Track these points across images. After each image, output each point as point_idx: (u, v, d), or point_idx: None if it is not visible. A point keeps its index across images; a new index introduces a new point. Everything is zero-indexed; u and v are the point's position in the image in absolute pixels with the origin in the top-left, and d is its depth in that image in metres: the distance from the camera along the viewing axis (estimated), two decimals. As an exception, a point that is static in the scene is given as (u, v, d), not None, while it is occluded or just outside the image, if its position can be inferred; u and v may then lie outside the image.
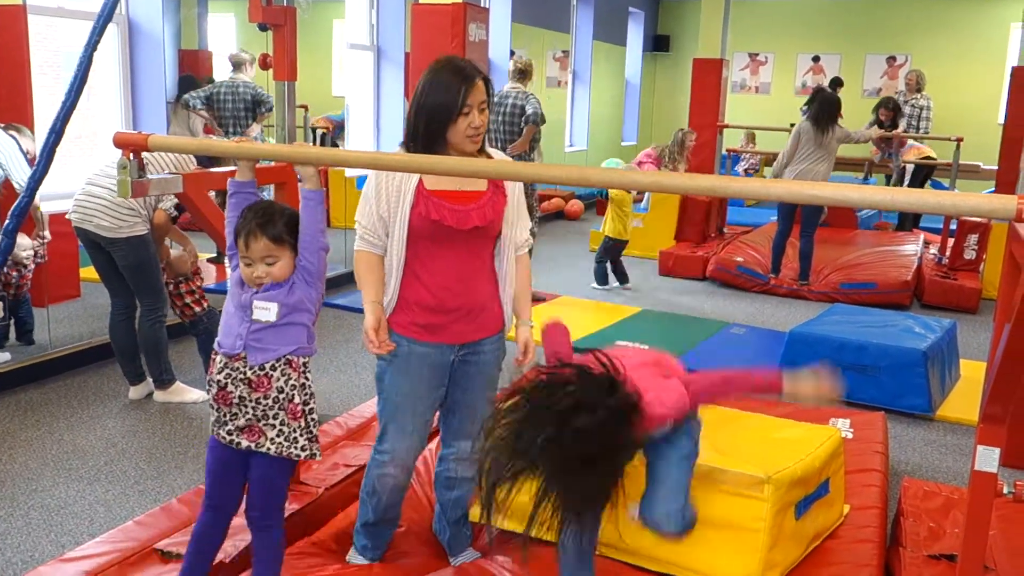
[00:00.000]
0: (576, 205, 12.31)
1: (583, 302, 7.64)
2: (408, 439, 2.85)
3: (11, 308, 5.41)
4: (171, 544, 2.82)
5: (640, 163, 10.23)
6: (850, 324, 5.59)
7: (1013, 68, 10.14)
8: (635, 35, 17.22)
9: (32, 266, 5.36)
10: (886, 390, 5.08)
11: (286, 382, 2.47)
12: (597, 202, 7.69)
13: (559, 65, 14.53)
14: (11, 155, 5.01)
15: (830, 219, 9.60)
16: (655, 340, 6.37)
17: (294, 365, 2.50)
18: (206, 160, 4.54)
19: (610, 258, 8.15)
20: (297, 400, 2.49)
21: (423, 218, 2.68)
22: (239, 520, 2.64)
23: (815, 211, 8.00)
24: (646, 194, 10.13)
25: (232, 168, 2.81)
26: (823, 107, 7.88)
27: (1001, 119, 11.44)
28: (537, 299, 7.22)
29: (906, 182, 10.51)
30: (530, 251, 2.99)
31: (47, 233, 5.36)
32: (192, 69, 9.37)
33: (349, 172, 9.30)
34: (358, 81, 10.50)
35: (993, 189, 10.40)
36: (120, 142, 2.55)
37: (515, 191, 2.85)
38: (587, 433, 1.96)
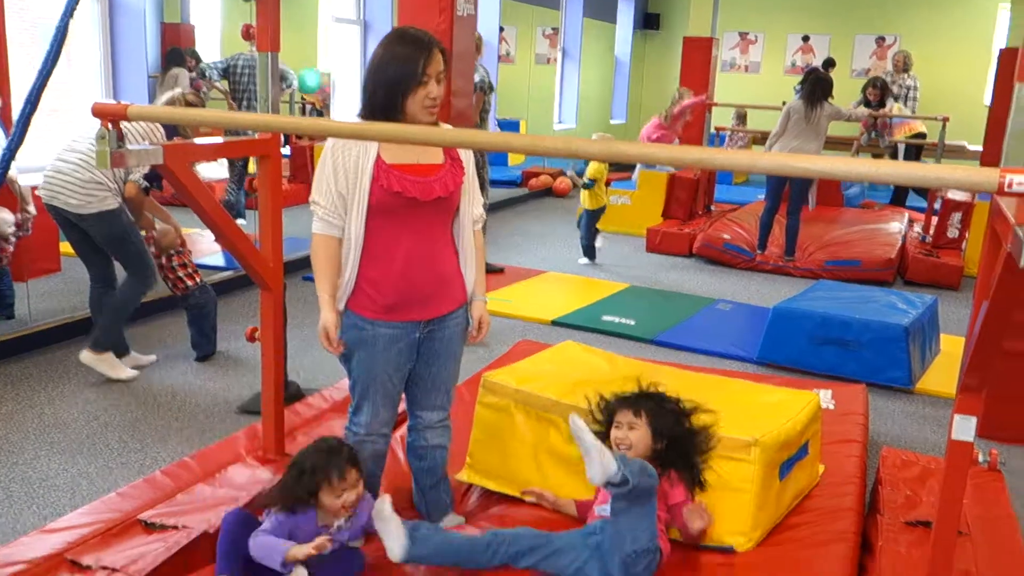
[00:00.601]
0: (564, 183, 12.28)
1: (570, 278, 7.64)
2: (380, 412, 2.87)
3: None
4: (155, 515, 2.82)
5: (648, 138, 10.15)
6: (833, 300, 5.63)
7: (1000, 50, 10.16)
8: (625, 13, 17.17)
9: (14, 240, 5.33)
10: (867, 364, 5.12)
11: None
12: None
13: (549, 42, 14.49)
14: None
15: (816, 198, 9.62)
16: (642, 315, 6.40)
17: None
18: (171, 129, 4.51)
19: (593, 228, 8.21)
20: None
21: (385, 191, 2.64)
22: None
23: (803, 189, 8.02)
24: (635, 170, 10.13)
25: (215, 140, 2.80)
26: (816, 85, 7.88)
27: (987, 100, 11.47)
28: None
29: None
30: (484, 228, 2.99)
31: (32, 208, 5.32)
32: (174, 42, 9.29)
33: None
34: (344, 55, 10.44)
35: (978, 168, 10.42)
36: (98, 112, 2.52)
37: (470, 164, 2.85)
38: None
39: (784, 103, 8.56)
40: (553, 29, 14.51)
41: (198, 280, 5.04)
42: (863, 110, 10.30)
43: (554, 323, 6.26)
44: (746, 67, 17.21)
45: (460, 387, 3.83)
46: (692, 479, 2.71)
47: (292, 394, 4.46)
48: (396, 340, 2.78)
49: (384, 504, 2.50)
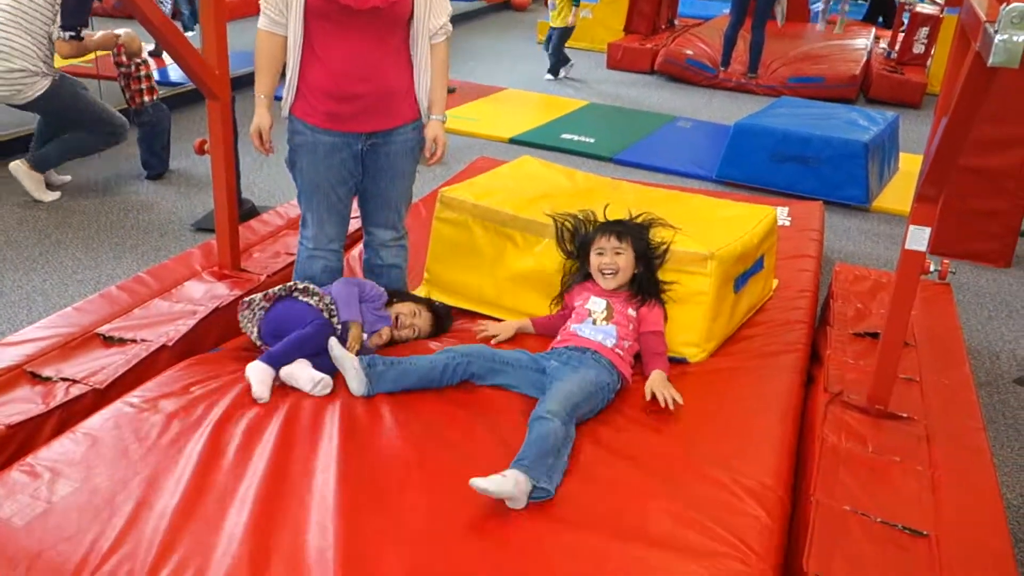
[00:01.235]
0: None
1: (529, 95, 7.49)
2: (327, 224, 2.86)
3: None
4: (113, 329, 2.81)
5: None
6: (794, 116, 5.59)
7: None
8: None
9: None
10: (826, 181, 5.15)
11: None
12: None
13: None
14: None
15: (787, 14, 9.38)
16: (601, 133, 6.32)
17: None
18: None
19: (559, 47, 7.98)
20: None
21: None
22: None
23: (768, 2, 7.80)
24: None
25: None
26: None
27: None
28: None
29: None
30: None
31: None
32: None
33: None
34: None
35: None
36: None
37: None
38: None
39: None
40: None
41: (155, 97, 4.93)
42: None
43: (512, 141, 6.17)
44: None
45: (418, 204, 3.80)
46: (661, 300, 2.75)
47: (247, 211, 4.40)
48: (337, 149, 2.74)
49: (334, 344, 2.50)
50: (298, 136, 2.75)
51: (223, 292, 3.08)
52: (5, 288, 3.69)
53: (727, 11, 8.45)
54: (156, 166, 5.04)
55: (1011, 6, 1.57)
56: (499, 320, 2.97)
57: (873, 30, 9.44)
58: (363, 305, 2.77)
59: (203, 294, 3.06)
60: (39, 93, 4.36)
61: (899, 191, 5.40)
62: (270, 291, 2.74)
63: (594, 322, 2.64)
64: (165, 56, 6.56)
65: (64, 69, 4.71)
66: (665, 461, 2.24)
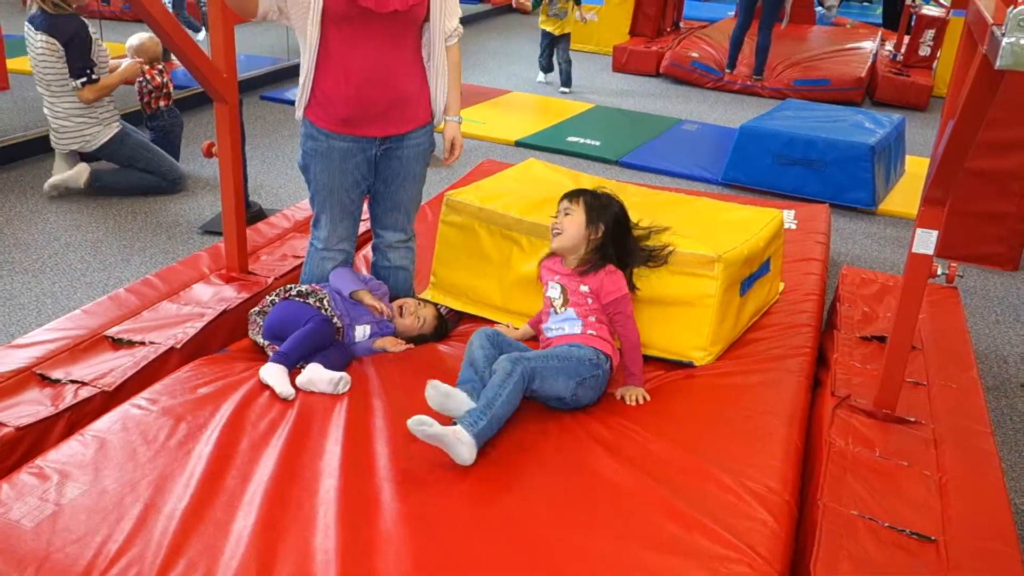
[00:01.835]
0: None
1: (534, 98, 7.50)
2: (340, 226, 2.88)
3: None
4: (122, 331, 2.82)
5: None
6: (800, 119, 5.59)
7: None
8: None
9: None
10: (832, 184, 5.15)
11: None
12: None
13: None
14: None
15: (790, 15, 9.37)
16: (607, 136, 6.33)
17: None
18: None
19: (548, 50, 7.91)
20: None
21: (338, 0, 2.53)
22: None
23: (775, 4, 7.80)
24: None
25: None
26: None
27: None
28: None
29: None
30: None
31: None
32: None
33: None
34: None
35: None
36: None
37: None
38: None
39: None
40: None
41: (170, 103, 5.05)
42: None
43: (517, 144, 6.17)
44: None
45: (424, 207, 3.80)
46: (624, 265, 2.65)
47: (254, 214, 4.42)
48: (352, 154, 2.74)
49: (429, 422, 2.17)
50: (312, 141, 2.74)
51: (231, 295, 3.09)
52: (15, 291, 3.71)
53: (732, 14, 8.44)
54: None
55: (1018, 9, 1.57)
56: (503, 324, 2.97)
57: (880, 32, 9.43)
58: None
59: (211, 296, 3.07)
60: (103, 141, 4.68)
61: (905, 194, 5.39)
62: (268, 298, 2.81)
63: (555, 311, 2.60)
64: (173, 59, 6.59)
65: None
66: (671, 465, 2.24)
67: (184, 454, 2.17)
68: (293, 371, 2.54)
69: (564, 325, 2.57)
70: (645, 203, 3.25)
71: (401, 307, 2.88)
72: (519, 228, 3.04)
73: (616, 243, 2.62)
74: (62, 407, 2.40)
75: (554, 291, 2.62)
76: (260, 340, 2.74)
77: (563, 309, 2.59)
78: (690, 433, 2.41)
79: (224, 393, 2.44)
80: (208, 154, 3.16)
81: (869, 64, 8.08)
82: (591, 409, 2.49)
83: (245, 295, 3.10)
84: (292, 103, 6.68)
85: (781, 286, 3.35)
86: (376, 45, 2.62)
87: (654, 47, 8.80)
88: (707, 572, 1.87)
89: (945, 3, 8.42)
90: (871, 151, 5.04)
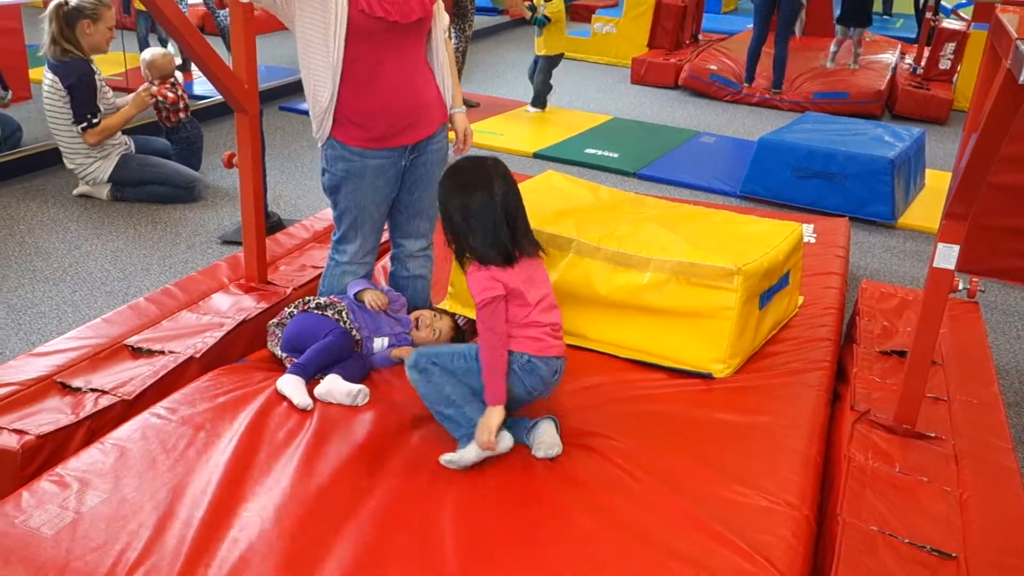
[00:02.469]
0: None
1: (552, 109, 7.49)
2: (367, 239, 2.88)
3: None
4: (141, 340, 2.83)
5: None
6: (819, 132, 5.57)
7: None
8: None
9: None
10: (851, 197, 5.13)
11: None
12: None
13: None
14: None
15: (807, 28, 9.36)
16: (625, 148, 6.33)
17: None
18: None
19: (547, 77, 7.30)
20: None
21: (366, 15, 2.51)
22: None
23: (792, 16, 7.79)
24: None
25: None
26: None
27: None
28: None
29: None
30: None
31: None
32: None
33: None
34: None
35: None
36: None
37: None
38: None
39: None
40: None
41: (188, 114, 5.10)
42: None
43: (535, 155, 6.18)
44: None
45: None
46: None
47: (273, 224, 4.44)
48: (384, 170, 2.74)
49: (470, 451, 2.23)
50: (343, 162, 2.71)
51: (250, 305, 3.10)
52: (36, 299, 3.74)
53: (751, 26, 8.44)
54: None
55: (1043, 25, 1.57)
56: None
57: (899, 45, 9.39)
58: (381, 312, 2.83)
59: (230, 306, 3.09)
60: (109, 172, 4.80)
61: (925, 208, 5.36)
62: (286, 310, 2.81)
63: None
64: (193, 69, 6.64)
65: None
66: (690, 478, 2.23)
67: (203, 463, 2.18)
68: (311, 382, 2.55)
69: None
70: (663, 216, 3.24)
71: (417, 320, 2.88)
72: (538, 239, 3.04)
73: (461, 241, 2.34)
74: (82, 415, 2.42)
75: None
76: (278, 352, 2.75)
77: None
78: (708, 446, 2.40)
79: (243, 403, 2.45)
80: (229, 165, 3.18)
81: (889, 77, 8.05)
82: (608, 422, 2.48)
83: (264, 305, 3.11)
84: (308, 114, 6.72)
85: (800, 299, 3.33)
86: (398, 55, 2.63)
87: (672, 59, 8.80)
88: (725, 587, 1.87)
89: (965, 16, 8.38)
90: (891, 164, 5.02)
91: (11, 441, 2.26)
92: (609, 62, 9.48)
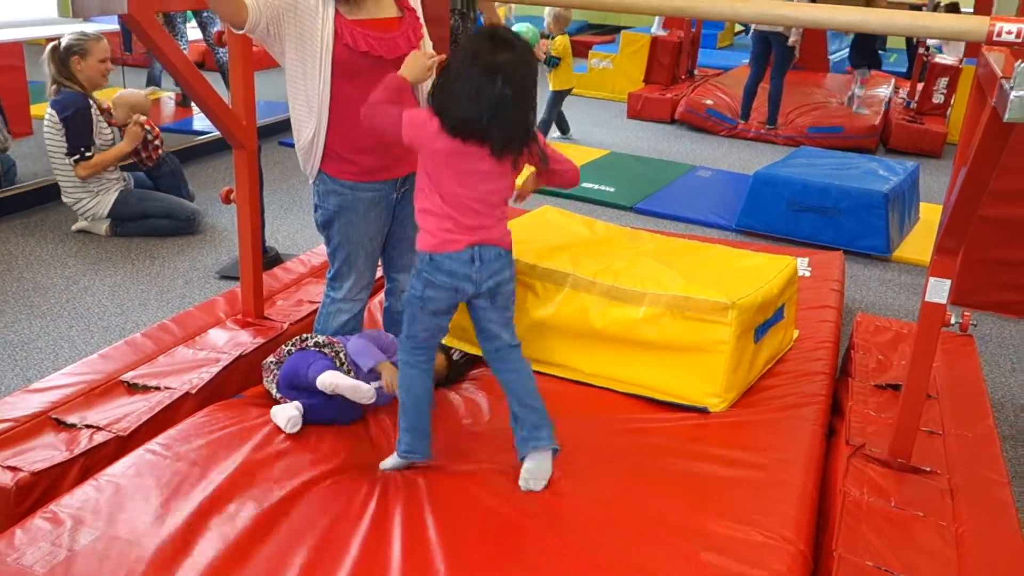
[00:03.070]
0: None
1: (549, 143, 7.53)
2: (362, 275, 2.87)
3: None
4: (137, 376, 2.84)
5: None
6: (814, 166, 5.61)
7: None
8: None
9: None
10: (846, 231, 5.16)
11: None
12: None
13: None
14: None
15: (802, 62, 9.45)
16: (622, 182, 6.37)
17: None
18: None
19: (556, 109, 7.63)
20: None
21: (351, 50, 2.52)
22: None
23: (787, 54, 7.87)
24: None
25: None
26: None
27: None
28: None
29: None
30: None
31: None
32: None
33: None
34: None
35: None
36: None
37: (418, 8, 2.75)
38: None
39: None
40: None
41: (165, 150, 5.14)
42: None
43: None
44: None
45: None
46: None
47: (271, 259, 4.45)
48: (376, 203, 2.75)
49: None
50: (335, 196, 2.71)
51: (246, 340, 3.11)
52: (33, 335, 3.74)
53: (746, 62, 8.52)
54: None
55: (1027, 63, 1.59)
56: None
57: (893, 80, 9.48)
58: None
59: (226, 342, 3.10)
60: (108, 207, 4.85)
61: (920, 241, 5.39)
62: (284, 348, 2.79)
63: None
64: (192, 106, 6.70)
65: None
66: (684, 512, 2.23)
67: (198, 500, 2.18)
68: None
69: None
70: (659, 250, 3.26)
71: None
72: (533, 274, 3.06)
73: None
74: (77, 452, 2.41)
75: None
76: (274, 392, 2.72)
77: None
78: (703, 480, 2.40)
79: (239, 438, 2.45)
80: (227, 200, 3.20)
81: (883, 112, 8.12)
82: (597, 454, 2.48)
83: (261, 340, 3.12)
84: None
85: (795, 333, 3.34)
86: None
87: (669, 94, 8.88)
88: (720, 623, 1.86)
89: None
90: (885, 199, 5.06)
91: (5, 478, 2.26)
92: (606, 97, 9.56)
